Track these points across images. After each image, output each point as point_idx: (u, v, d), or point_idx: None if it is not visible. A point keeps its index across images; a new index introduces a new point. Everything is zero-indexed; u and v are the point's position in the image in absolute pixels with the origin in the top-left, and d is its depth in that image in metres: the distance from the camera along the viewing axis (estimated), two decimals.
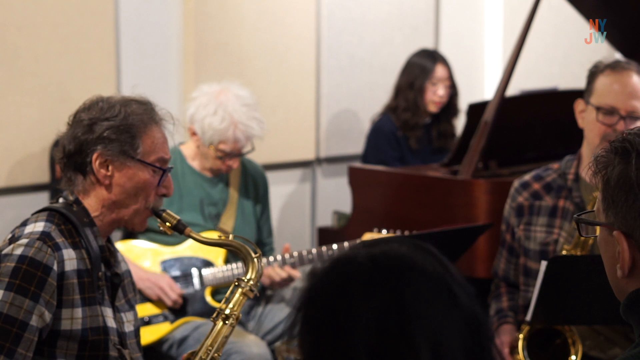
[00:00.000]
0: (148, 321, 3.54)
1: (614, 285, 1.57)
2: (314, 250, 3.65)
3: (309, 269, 3.51)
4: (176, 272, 3.61)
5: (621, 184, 1.50)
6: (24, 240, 2.29)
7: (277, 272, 3.58)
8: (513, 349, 2.98)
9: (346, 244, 3.61)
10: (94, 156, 2.37)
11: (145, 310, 3.54)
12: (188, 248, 3.62)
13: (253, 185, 3.80)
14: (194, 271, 3.61)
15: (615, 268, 1.53)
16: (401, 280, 1.25)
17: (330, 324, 1.25)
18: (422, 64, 4.94)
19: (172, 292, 3.53)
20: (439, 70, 4.93)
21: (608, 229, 1.52)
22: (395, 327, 1.22)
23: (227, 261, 3.66)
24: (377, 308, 1.23)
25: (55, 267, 2.28)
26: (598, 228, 1.57)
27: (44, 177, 4.25)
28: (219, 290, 3.65)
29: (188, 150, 3.73)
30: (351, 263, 1.28)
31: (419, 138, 4.97)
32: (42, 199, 4.20)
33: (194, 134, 3.64)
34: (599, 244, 1.58)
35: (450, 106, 5.01)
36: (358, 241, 3.64)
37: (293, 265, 3.64)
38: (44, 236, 2.30)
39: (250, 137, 3.61)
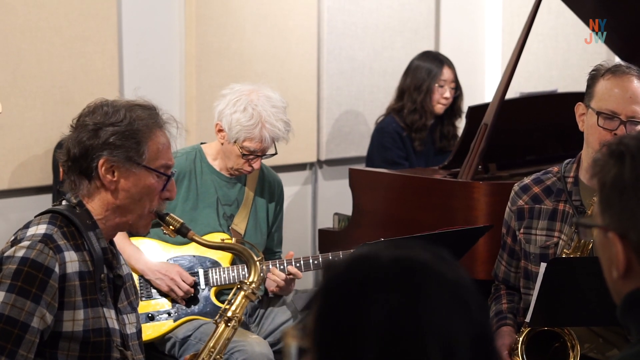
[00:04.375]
0: (152, 317, 3.56)
1: (611, 287, 1.59)
2: (320, 257, 3.66)
3: (326, 262, 3.51)
4: None
5: (615, 185, 1.52)
6: (25, 243, 2.31)
7: (279, 274, 3.59)
8: (512, 352, 3.00)
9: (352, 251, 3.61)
10: (100, 162, 2.38)
11: (150, 306, 3.56)
12: (195, 247, 3.63)
13: (269, 191, 3.81)
14: (200, 271, 3.63)
15: (612, 270, 1.55)
16: (421, 286, 1.27)
17: (345, 319, 1.26)
18: (429, 67, 4.98)
19: (183, 283, 3.55)
20: (446, 73, 4.98)
21: (604, 230, 1.54)
22: (409, 330, 1.24)
23: (233, 262, 3.68)
24: (393, 310, 1.25)
25: (56, 269, 2.29)
26: (595, 231, 1.59)
27: (47, 179, 4.27)
28: (223, 291, 3.67)
29: (210, 149, 3.74)
30: (374, 262, 1.30)
31: (423, 140, 5.00)
32: (45, 201, 4.22)
33: (220, 130, 3.64)
34: (597, 247, 1.59)
35: (454, 107, 5.05)
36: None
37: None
38: (46, 238, 2.31)
39: (276, 138, 3.61)
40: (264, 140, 3.58)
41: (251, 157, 3.61)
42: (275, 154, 3.68)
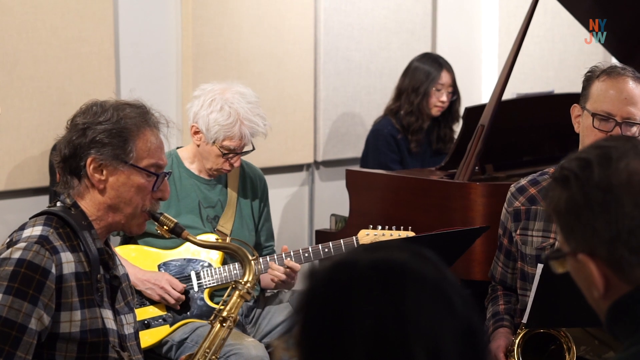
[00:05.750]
0: (147, 324, 3.55)
1: (597, 309, 1.59)
2: (310, 249, 3.66)
3: (307, 269, 3.52)
4: (174, 275, 3.62)
5: (570, 209, 1.53)
6: (22, 244, 2.30)
7: (278, 268, 3.58)
8: (508, 353, 2.99)
9: (342, 241, 3.64)
10: (88, 160, 2.38)
11: (144, 313, 3.55)
12: (185, 250, 3.63)
13: (251, 187, 3.81)
14: (192, 274, 3.62)
15: (593, 291, 1.54)
16: (401, 288, 1.26)
17: (329, 328, 1.25)
18: (428, 70, 4.98)
19: (174, 290, 3.54)
20: (444, 77, 4.98)
21: (573, 255, 1.54)
22: (394, 334, 1.23)
23: (224, 262, 3.67)
24: (377, 315, 1.24)
25: (53, 270, 2.29)
26: (567, 261, 1.58)
27: (44, 180, 4.26)
28: (217, 292, 3.66)
29: (186, 153, 3.73)
30: (352, 268, 1.29)
31: (419, 141, 5.01)
32: (42, 202, 4.21)
33: (196, 132, 3.64)
34: (573, 276, 1.59)
35: (451, 111, 5.05)
36: (354, 238, 3.68)
37: None
38: (42, 240, 2.31)
39: (255, 133, 3.62)
40: (244, 138, 3.59)
41: (231, 155, 3.61)
42: (253, 149, 3.68)
